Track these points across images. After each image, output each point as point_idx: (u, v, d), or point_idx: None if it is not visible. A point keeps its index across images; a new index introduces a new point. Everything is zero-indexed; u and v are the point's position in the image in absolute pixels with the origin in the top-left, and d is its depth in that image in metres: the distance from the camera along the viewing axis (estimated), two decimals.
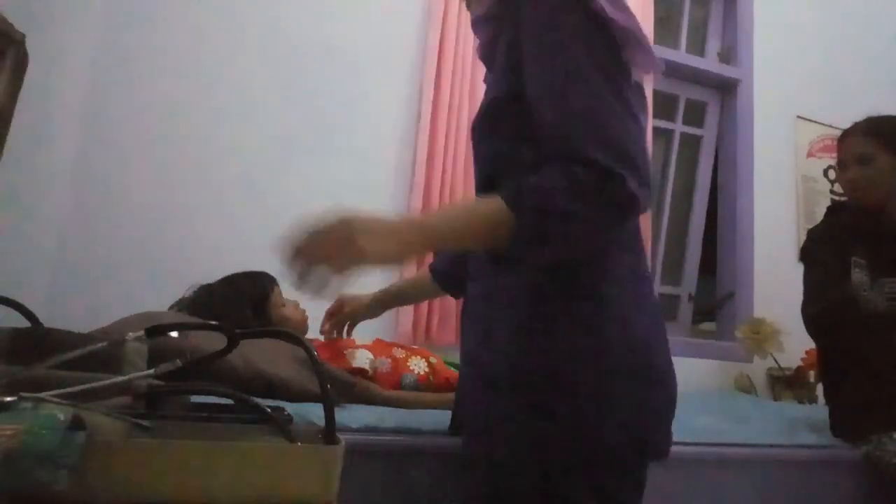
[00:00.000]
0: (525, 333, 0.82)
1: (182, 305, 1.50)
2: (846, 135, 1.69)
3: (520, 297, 0.84)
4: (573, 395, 0.79)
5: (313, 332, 1.64)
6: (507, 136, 0.87)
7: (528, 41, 0.82)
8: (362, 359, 1.45)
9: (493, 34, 0.94)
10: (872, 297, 1.50)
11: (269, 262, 1.62)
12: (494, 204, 0.75)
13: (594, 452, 0.79)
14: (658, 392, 0.85)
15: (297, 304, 1.63)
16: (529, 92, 0.81)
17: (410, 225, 0.78)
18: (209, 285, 1.54)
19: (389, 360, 1.48)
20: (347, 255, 0.71)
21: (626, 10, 0.82)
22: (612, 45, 0.80)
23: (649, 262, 0.88)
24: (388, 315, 2.08)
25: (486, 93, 0.93)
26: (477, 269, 0.95)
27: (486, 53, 0.97)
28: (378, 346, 1.54)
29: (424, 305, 2.05)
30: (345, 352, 1.46)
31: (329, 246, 0.71)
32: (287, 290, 1.62)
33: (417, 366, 1.50)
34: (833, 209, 1.77)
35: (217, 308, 1.45)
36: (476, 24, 0.97)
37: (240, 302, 1.50)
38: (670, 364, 0.87)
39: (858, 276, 1.55)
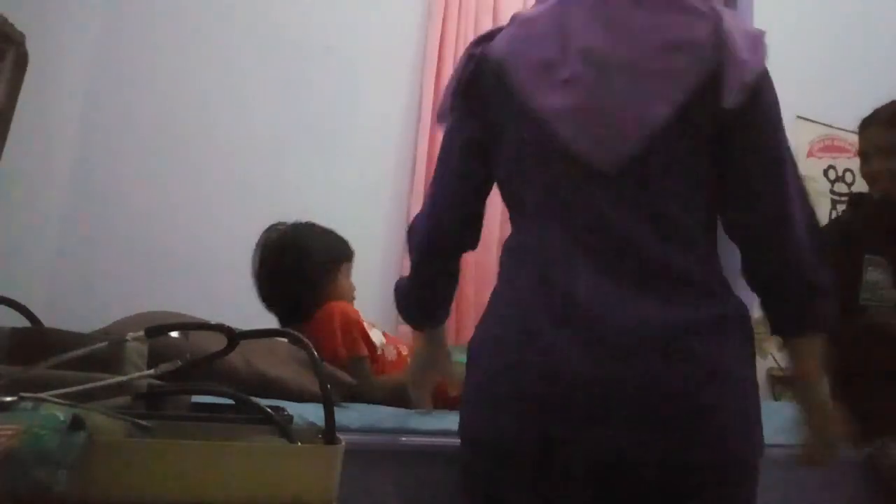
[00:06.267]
0: None
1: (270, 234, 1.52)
2: (867, 124, 1.59)
3: None
4: None
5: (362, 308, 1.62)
6: None
7: None
8: (377, 336, 1.51)
9: None
10: (890, 294, 1.46)
11: None
12: None
13: None
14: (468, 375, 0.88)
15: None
16: None
17: None
18: (303, 223, 1.55)
19: (396, 351, 1.52)
20: None
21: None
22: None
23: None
24: (386, 315, 2.09)
25: None
26: None
27: None
28: (386, 339, 1.57)
29: None
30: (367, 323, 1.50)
31: None
32: None
33: None
34: (855, 202, 1.70)
35: (301, 241, 1.47)
36: None
37: (326, 249, 1.50)
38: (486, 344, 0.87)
39: (873, 274, 1.51)
